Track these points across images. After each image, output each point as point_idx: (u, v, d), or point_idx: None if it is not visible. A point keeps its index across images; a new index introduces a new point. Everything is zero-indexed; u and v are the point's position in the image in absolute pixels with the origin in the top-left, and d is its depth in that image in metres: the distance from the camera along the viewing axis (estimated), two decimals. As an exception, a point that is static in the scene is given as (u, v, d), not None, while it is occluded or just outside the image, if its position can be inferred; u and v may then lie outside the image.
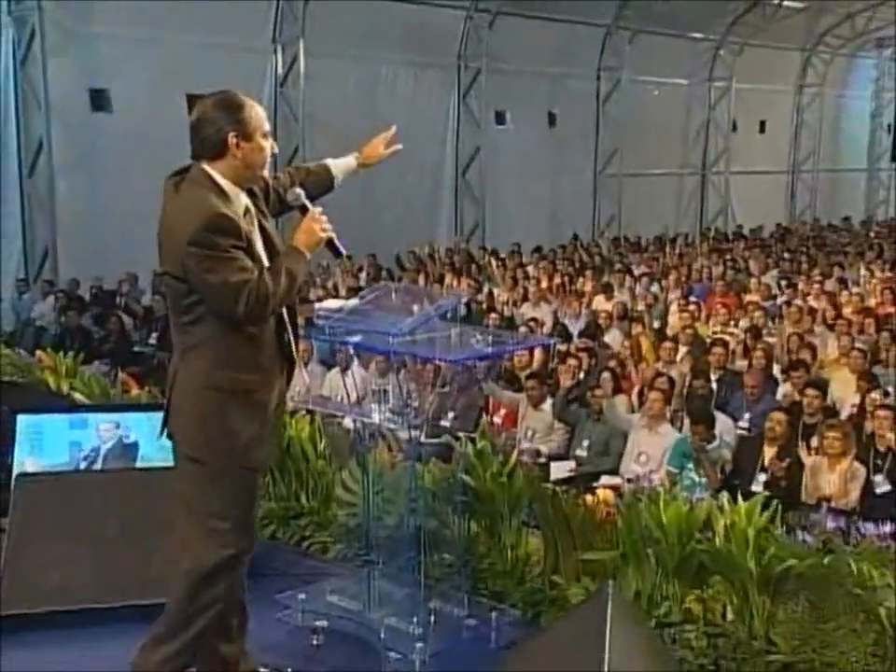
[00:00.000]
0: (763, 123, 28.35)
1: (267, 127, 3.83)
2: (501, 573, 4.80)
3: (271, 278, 3.67)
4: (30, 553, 4.94)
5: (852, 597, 4.04)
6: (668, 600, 4.35)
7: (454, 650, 4.36)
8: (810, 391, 9.67)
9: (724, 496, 4.30)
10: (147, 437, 5.84)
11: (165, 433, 4.00)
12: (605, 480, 9.03)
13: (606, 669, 3.18)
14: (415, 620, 4.35)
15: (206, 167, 3.76)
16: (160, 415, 6.13)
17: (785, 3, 24.36)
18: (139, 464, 5.81)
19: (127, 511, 5.11)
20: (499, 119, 21.60)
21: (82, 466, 5.81)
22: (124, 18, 15.40)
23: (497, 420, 10.20)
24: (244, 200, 3.84)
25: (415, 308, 4.40)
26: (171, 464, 5.67)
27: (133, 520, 5.07)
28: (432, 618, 4.42)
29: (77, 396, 6.70)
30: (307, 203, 3.95)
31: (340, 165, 4.38)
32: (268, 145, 3.83)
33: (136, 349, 13.79)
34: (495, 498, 4.80)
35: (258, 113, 3.79)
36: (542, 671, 3.56)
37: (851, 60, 30.94)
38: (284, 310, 3.88)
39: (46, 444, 5.87)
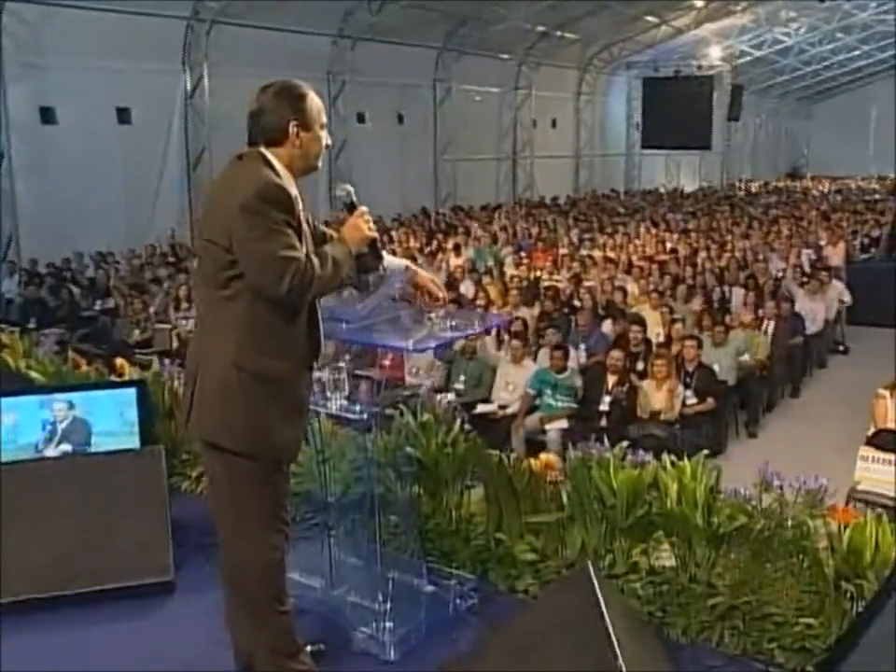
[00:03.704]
0: (554, 121, 27.94)
1: (324, 119, 2.71)
2: (448, 533, 3.65)
3: (319, 263, 2.54)
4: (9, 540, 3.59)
5: (791, 543, 3.12)
6: (612, 553, 3.33)
7: (416, 624, 3.19)
8: (634, 327, 8.91)
9: (666, 458, 3.25)
10: (99, 415, 4.48)
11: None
12: (481, 407, 8.18)
13: (614, 638, 2.32)
14: (379, 597, 3.18)
15: (263, 150, 2.67)
16: (110, 392, 4.90)
17: (565, 35, 24.21)
18: (94, 440, 4.40)
19: (90, 494, 3.77)
20: (361, 118, 20.60)
21: (41, 446, 4.38)
22: (66, 50, 14.07)
23: (385, 363, 9.12)
24: (294, 190, 2.68)
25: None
26: (128, 446, 4.47)
27: (98, 503, 3.75)
28: (390, 587, 3.24)
29: (34, 374, 5.23)
30: (356, 199, 2.84)
31: (393, 260, 3.13)
32: (324, 136, 2.73)
33: (85, 314, 12.11)
34: (439, 466, 3.64)
35: (317, 104, 2.71)
36: (537, 645, 2.54)
37: (611, 77, 30.87)
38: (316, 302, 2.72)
39: (13, 426, 4.39)
